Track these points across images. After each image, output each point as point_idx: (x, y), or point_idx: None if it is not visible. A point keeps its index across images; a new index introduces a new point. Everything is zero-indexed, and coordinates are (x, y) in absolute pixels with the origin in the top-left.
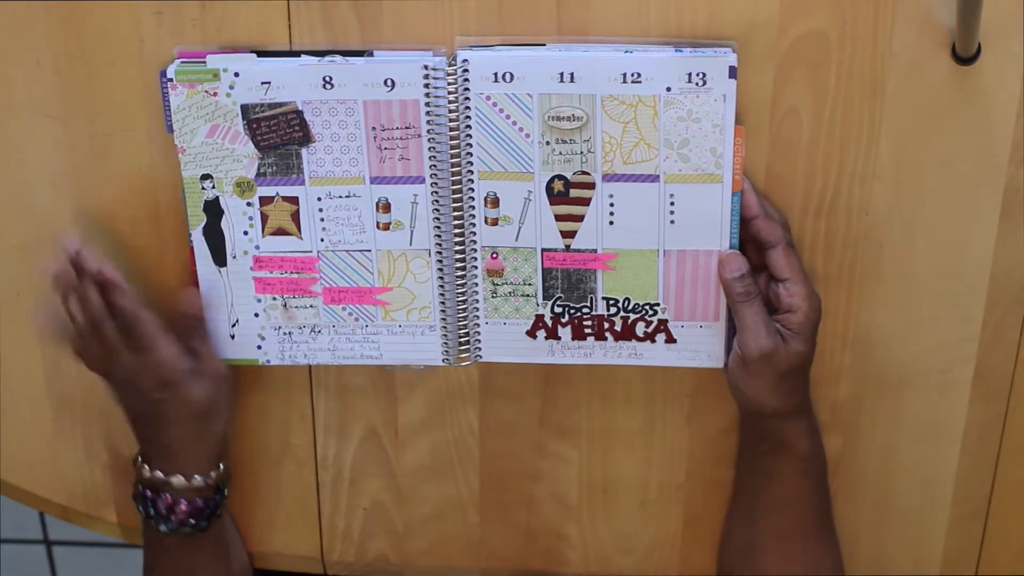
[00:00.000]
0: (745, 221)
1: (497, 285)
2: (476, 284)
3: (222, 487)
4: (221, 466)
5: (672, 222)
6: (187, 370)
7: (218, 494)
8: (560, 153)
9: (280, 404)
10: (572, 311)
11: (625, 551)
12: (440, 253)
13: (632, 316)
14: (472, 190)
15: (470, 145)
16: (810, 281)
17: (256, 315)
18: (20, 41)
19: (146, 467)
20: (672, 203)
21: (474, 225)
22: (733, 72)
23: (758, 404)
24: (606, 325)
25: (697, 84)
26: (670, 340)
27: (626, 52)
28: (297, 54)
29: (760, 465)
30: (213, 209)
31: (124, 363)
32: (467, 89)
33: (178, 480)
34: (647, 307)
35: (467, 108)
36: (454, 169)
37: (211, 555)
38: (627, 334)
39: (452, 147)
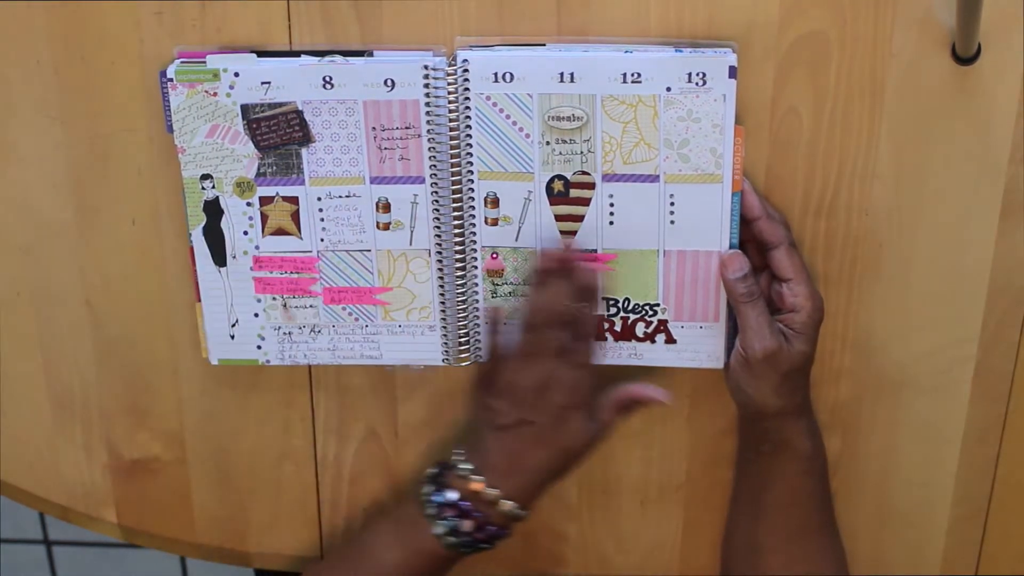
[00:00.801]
0: (747, 222)
1: (497, 285)
2: (476, 284)
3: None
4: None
5: (672, 222)
6: (592, 402)
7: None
8: (560, 153)
9: (280, 404)
10: None
11: (625, 551)
12: (440, 253)
13: (632, 316)
14: (472, 190)
15: (470, 145)
16: (812, 281)
17: (256, 315)
18: (20, 41)
19: (480, 478)
20: (672, 203)
21: (474, 225)
22: (733, 72)
23: (760, 404)
24: (606, 325)
25: (697, 84)
26: (670, 340)
27: (626, 52)
28: (297, 54)
29: (762, 466)
30: (213, 209)
31: (558, 367)
32: (467, 89)
33: (507, 505)
34: (647, 307)
35: (467, 108)
36: (454, 169)
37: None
38: (627, 334)
39: (452, 147)
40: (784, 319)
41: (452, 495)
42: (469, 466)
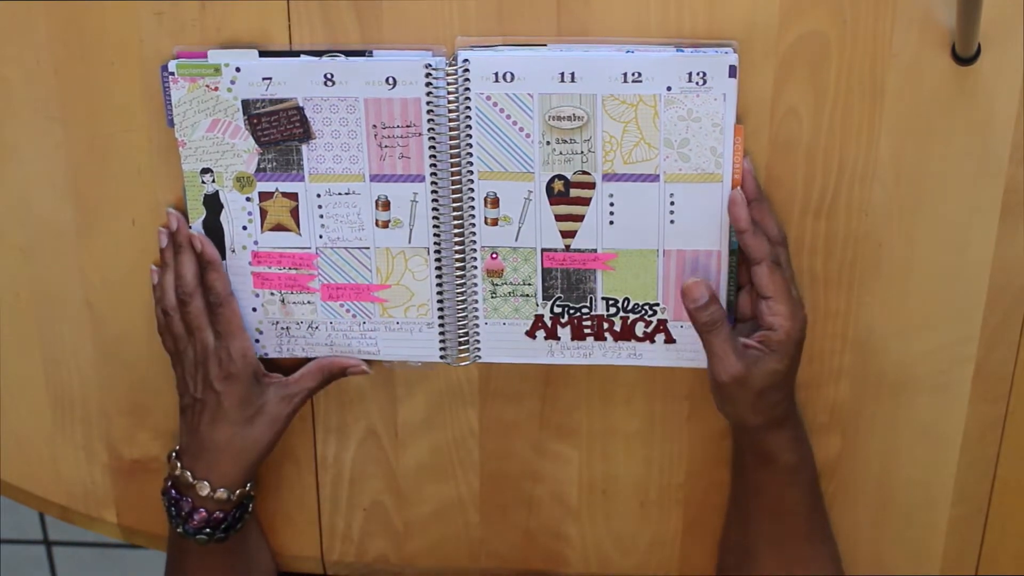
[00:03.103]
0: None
1: (496, 285)
2: (476, 284)
3: (246, 503)
4: (248, 485)
5: (672, 222)
6: (255, 372)
7: (239, 509)
8: (560, 153)
9: None
10: (571, 311)
11: (625, 551)
12: (439, 251)
13: (632, 316)
14: (472, 190)
15: (470, 145)
16: (796, 298)
17: (254, 309)
18: (20, 41)
19: (178, 463)
20: (672, 203)
21: (474, 225)
22: (733, 71)
23: (739, 420)
24: (605, 325)
25: (697, 83)
26: (669, 340)
27: (627, 52)
28: (297, 54)
29: (747, 475)
30: (212, 203)
31: (201, 343)
32: (467, 89)
33: (202, 487)
34: (646, 307)
35: (467, 108)
36: (454, 168)
37: (228, 564)
38: (626, 334)
39: (452, 146)
40: (762, 337)
41: (167, 484)
42: (174, 452)
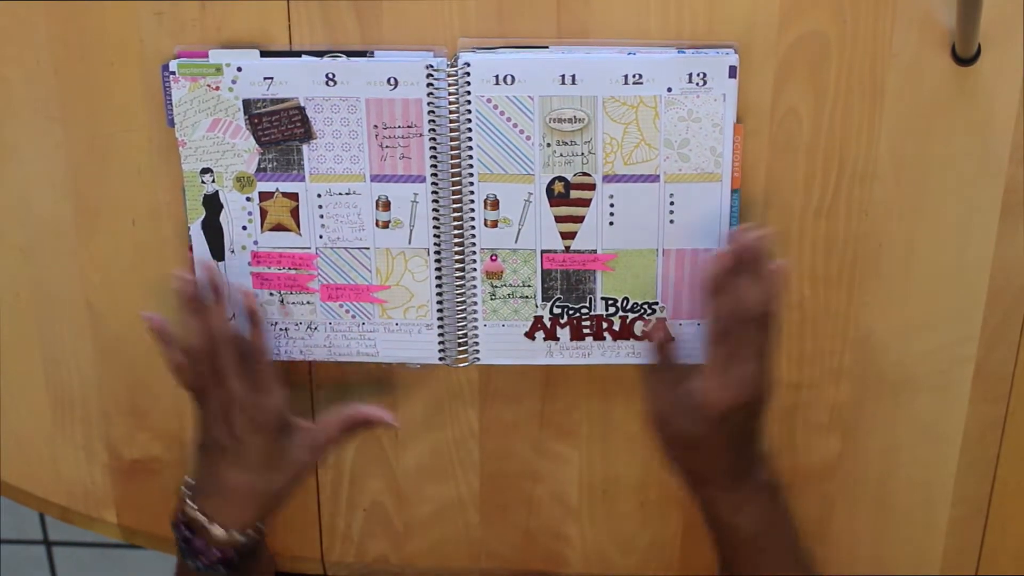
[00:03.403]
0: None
1: (496, 287)
2: (475, 286)
3: (260, 538)
4: (260, 524)
5: (671, 221)
6: (283, 422)
7: (252, 543)
8: (561, 155)
9: None
10: (571, 312)
11: (625, 551)
12: (439, 252)
13: (631, 315)
14: (472, 191)
15: (471, 147)
16: (745, 373)
17: None
18: (20, 41)
19: (190, 504)
20: (672, 203)
21: (474, 227)
22: (733, 72)
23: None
24: (605, 325)
25: (698, 84)
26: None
27: (628, 54)
28: (299, 54)
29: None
30: (212, 203)
31: (229, 392)
32: (468, 91)
33: (217, 531)
34: (646, 306)
35: (468, 110)
36: (454, 170)
37: None
38: (626, 333)
39: (453, 147)
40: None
41: (179, 518)
42: (187, 490)
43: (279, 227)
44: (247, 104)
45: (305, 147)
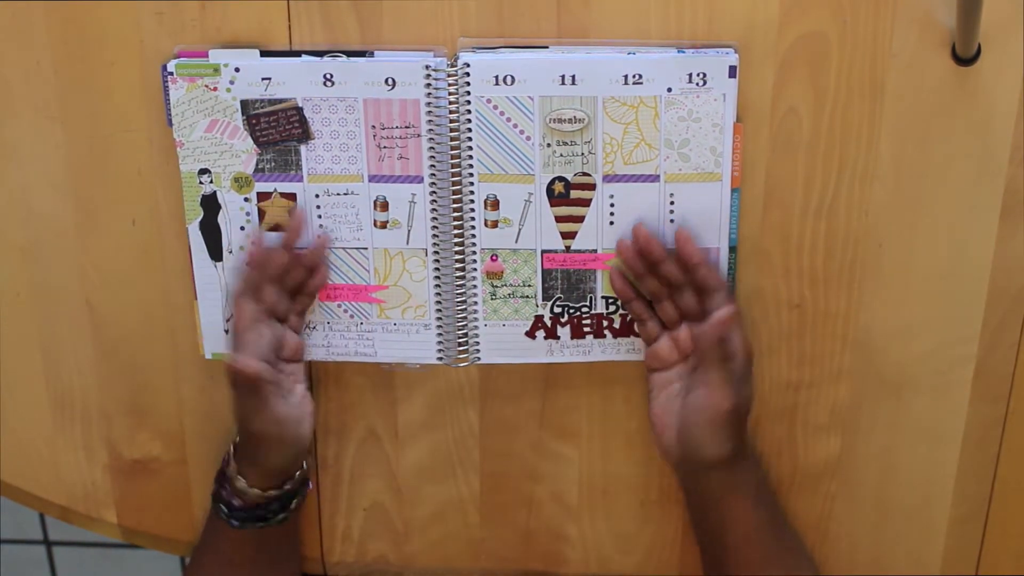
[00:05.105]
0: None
1: (496, 287)
2: (475, 286)
3: (286, 501)
4: (298, 473)
5: (672, 221)
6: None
7: (280, 503)
8: (561, 155)
9: None
10: (571, 311)
11: (625, 551)
12: (437, 252)
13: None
14: (472, 192)
15: (470, 147)
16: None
17: None
18: (20, 41)
19: (242, 479)
20: (672, 202)
21: (474, 227)
22: (733, 71)
23: (714, 456)
24: (605, 323)
25: (697, 84)
26: None
27: (628, 54)
28: (299, 54)
29: (718, 511)
30: (210, 204)
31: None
32: (468, 92)
33: (241, 483)
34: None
35: (468, 111)
36: (454, 170)
37: (256, 556)
38: (626, 331)
39: (452, 148)
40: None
41: (225, 493)
42: (232, 463)
43: (277, 227)
44: (245, 105)
45: (303, 147)
